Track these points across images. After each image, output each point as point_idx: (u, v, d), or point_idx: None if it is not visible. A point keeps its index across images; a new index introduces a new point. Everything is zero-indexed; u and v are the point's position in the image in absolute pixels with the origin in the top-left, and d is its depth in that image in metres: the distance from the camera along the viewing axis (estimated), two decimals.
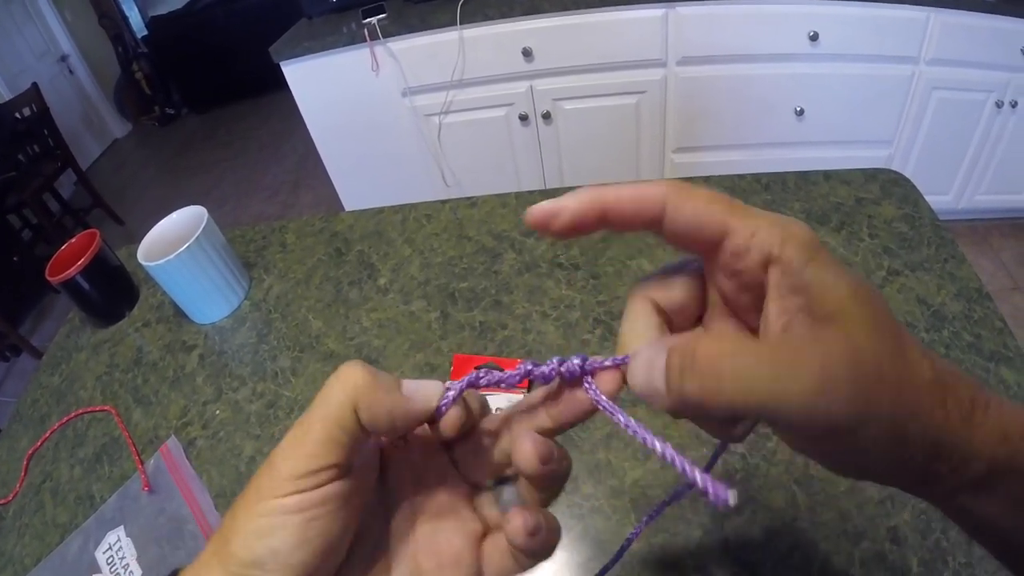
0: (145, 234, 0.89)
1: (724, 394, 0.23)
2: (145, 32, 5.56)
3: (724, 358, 0.24)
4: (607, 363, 0.29)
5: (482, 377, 0.30)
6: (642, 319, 0.30)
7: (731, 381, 0.23)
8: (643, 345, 0.28)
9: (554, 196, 0.28)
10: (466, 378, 0.29)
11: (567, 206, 0.27)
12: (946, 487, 0.25)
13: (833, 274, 0.25)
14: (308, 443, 0.26)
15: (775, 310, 0.26)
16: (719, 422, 0.29)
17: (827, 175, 0.87)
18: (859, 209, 0.81)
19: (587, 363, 0.29)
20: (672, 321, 0.30)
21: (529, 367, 0.29)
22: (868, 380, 0.23)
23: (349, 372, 0.27)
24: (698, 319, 0.31)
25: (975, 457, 0.24)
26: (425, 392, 0.28)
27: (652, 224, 0.28)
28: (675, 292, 0.30)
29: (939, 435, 0.23)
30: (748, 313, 0.29)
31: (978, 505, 0.25)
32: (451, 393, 0.29)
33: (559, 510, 0.58)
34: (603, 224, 0.28)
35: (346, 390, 0.26)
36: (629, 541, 0.41)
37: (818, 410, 0.22)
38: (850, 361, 0.23)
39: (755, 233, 0.26)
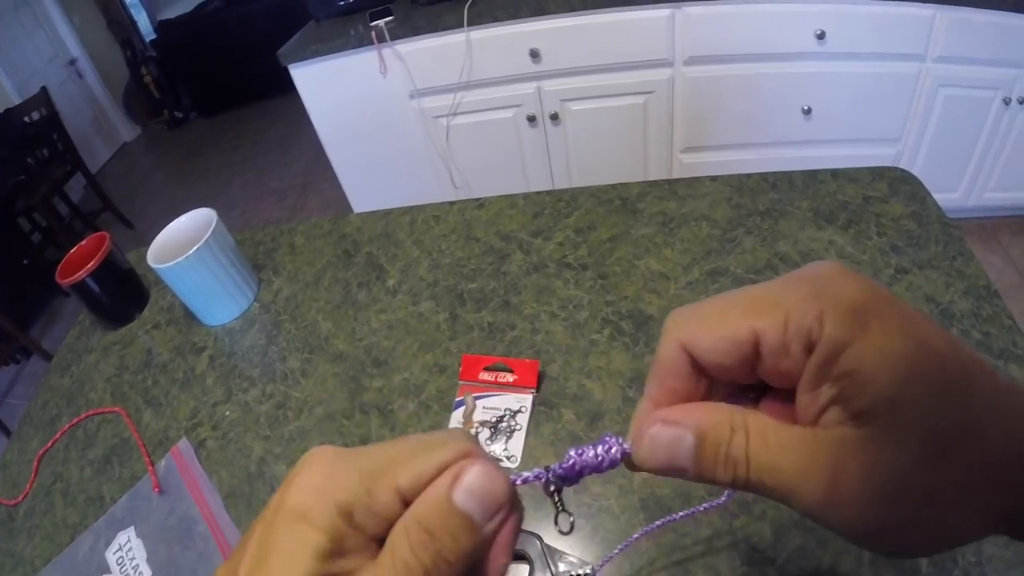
0: (154, 237, 0.90)
1: (748, 484, 0.24)
2: (154, 36, 5.61)
3: (760, 453, 0.23)
4: (623, 450, 0.28)
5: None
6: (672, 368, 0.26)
7: (755, 473, 0.23)
8: (656, 427, 0.25)
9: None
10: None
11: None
12: None
13: (880, 355, 0.20)
14: None
15: (804, 402, 0.23)
16: None
17: (834, 173, 0.87)
18: (867, 207, 0.81)
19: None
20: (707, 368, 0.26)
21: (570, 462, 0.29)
22: (878, 498, 0.21)
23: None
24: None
25: None
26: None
27: (732, 371, 0.25)
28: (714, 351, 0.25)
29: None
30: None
31: None
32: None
33: (568, 508, 0.58)
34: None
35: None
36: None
37: (828, 522, 0.22)
38: (860, 478, 0.21)
39: (786, 323, 0.22)
